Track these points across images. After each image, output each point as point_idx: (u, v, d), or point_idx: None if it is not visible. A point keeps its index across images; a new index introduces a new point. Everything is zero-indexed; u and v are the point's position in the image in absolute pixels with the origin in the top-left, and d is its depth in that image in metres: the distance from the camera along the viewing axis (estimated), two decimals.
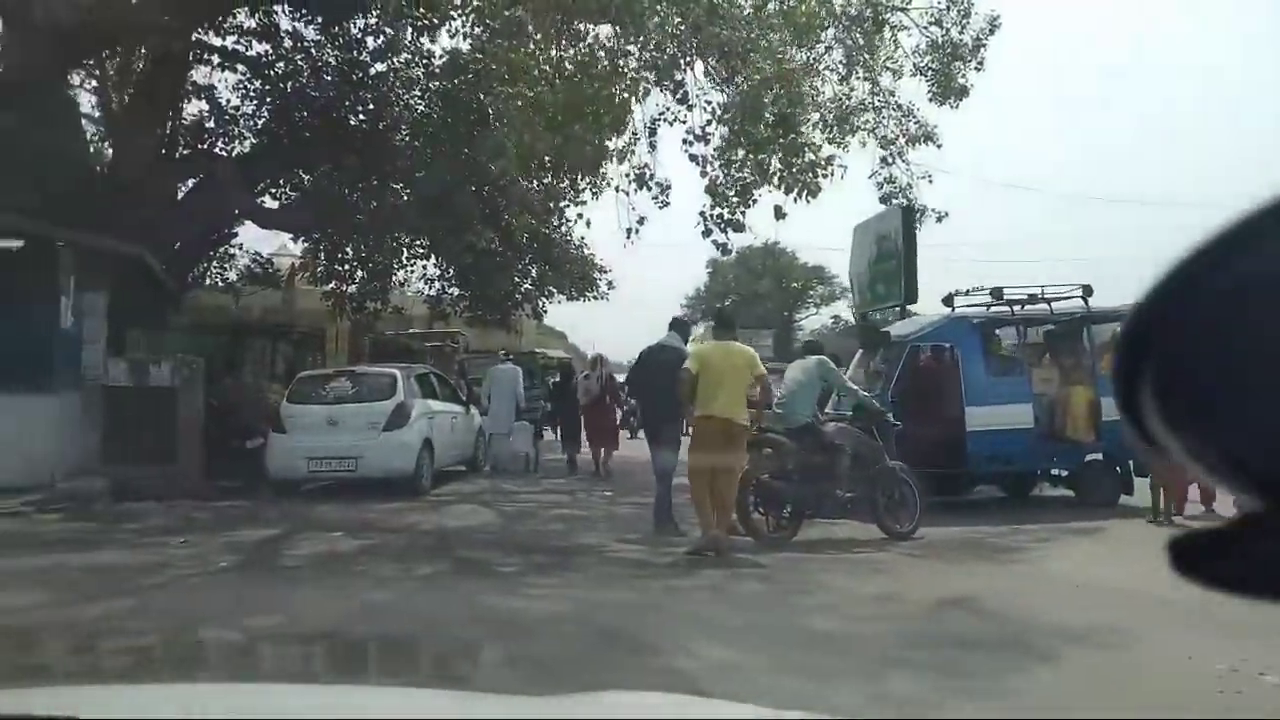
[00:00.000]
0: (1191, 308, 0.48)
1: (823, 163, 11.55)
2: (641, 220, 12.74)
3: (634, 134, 13.25)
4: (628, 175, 12.59)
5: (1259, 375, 0.46)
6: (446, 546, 8.26)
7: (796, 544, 8.00)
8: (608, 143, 12.72)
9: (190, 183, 18.04)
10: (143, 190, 16.32)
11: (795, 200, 11.35)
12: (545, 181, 17.63)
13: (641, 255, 34.47)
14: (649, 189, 12.41)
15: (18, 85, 15.36)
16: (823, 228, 62.19)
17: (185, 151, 18.05)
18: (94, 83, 19.27)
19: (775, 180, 11.75)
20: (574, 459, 15.16)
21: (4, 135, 15.26)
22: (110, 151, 17.82)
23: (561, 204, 18.42)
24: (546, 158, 15.36)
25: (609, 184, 12.76)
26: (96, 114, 19.78)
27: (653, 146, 13.89)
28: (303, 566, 7.53)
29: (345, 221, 17.26)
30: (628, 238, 12.85)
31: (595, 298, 20.98)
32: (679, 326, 9.31)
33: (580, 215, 14.03)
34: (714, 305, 44.00)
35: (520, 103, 14.69)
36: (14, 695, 1.79)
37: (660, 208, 12.72)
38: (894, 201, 15.45)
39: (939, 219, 15.93)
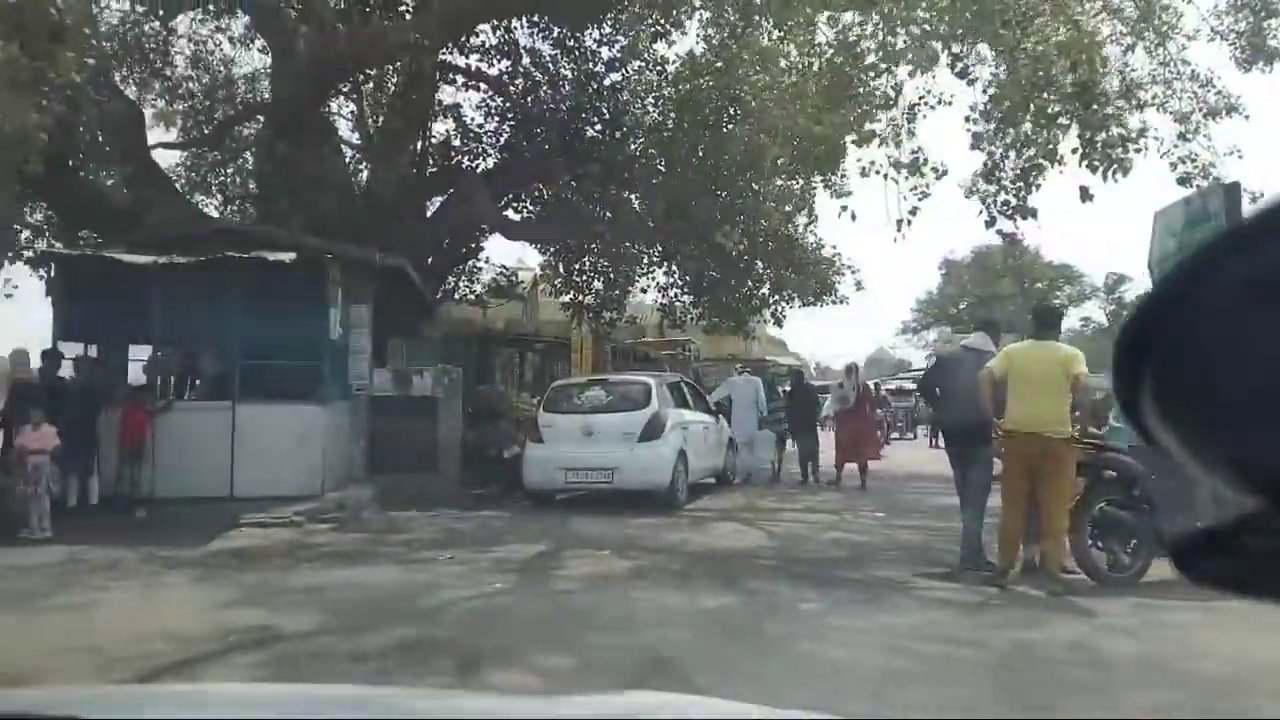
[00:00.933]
0: (1192, 308, 0.47)
1: (1133, 136, 9.93)
2: (914, 210, 11.50)
3: (893, 118, 12.05)
4: (895, 161, 11.40)
5: (1259, 375, 0.45)
6: (725, 573, 7.41)
7: (1146, 586, 6.58)
8: (872, 126, 11.59)
9: (439, 200, 18.44)
10: (397, 208, 16.81)
11: (1104, 179, 9.79)
12: (793, 177, 16.74)
13: (858, 255, 32.47)
14: (920, 174, 11.16)
15: (285, 114, 16.15)
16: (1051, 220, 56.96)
17: (433, 170, 18.45)
18: (352, 107, 20.18)
19: (1069, 158, 10.22)
20: (810, 471, 14.27)
21: (277, 161, 16.14)
22: (367, 172, 18.47)
23: (810, 199, 17.43)
24: (794, 151, 14.52)
25: (877, 171, 11.60)
26: (355, 137, 20.78)
27: (911, 134, 12.68)
28: (577, 591, 6.90)
29: (586, 232, 17.07)
30: (898, 230, 11.65)
31: (834, 301, 19.81)
32: (988, 328, 8.06)
33: (845, 207, 12.86)
34: (949, 309, 41.41)
35: (774, 92, 13.93)
36: (15, 695, 1.72)
37: (919, 199, 11.42)
38: (1197, 183, 13.35)
39: (1253, 199, 13.63)
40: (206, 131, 19.98)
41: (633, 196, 18.22)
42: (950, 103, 12.40)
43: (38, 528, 8.85)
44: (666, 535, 9.28)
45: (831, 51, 11.82)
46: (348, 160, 18.71)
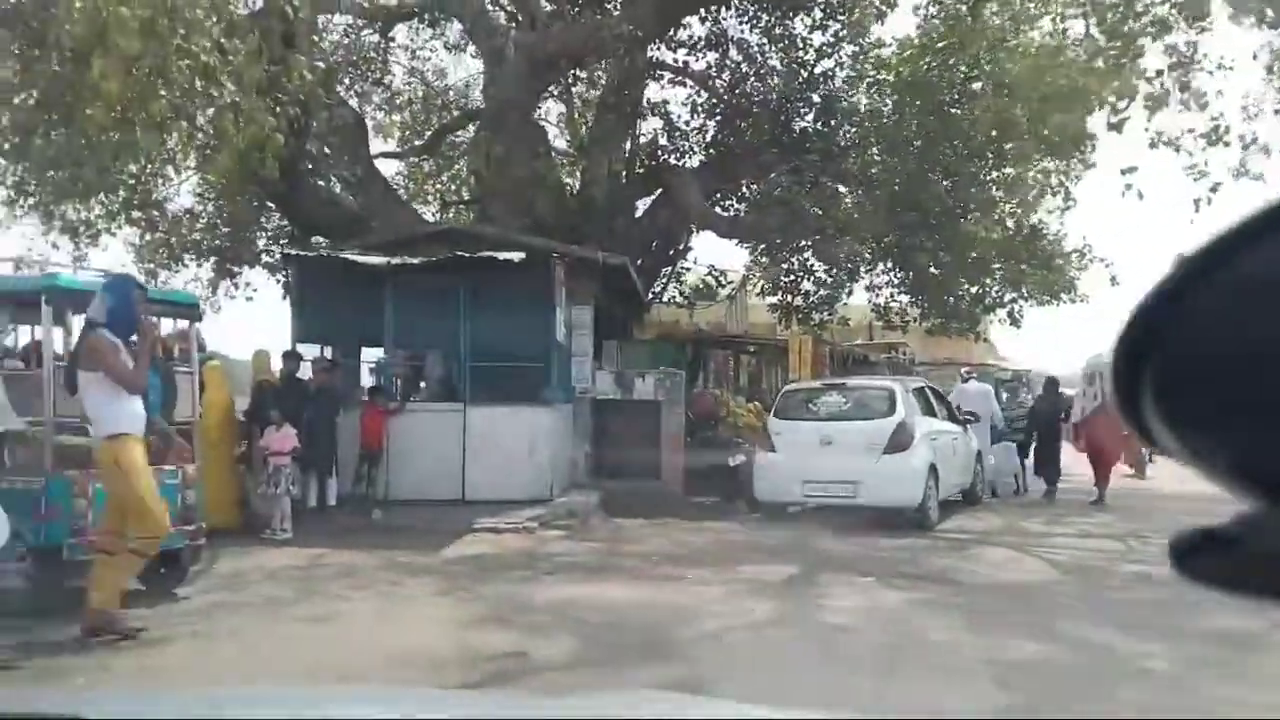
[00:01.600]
0: (1192, 308, 0.47)
1: None
2: (1215, 187, 9.88)
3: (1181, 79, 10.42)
4: (1191, 131, 9.82)
5: (1260, 375, 0.45)
6: (1023, 612, 6.31)
7: None
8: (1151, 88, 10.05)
9: (647, 200, 17.99)
10: (608, 208, 16.47)
11: None
12: (1043, 159, 15.20)
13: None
14: (1225, 145, 9.55)
15: (499, 117, 16.07)
16: None
17: (642, 169, 18.00)
18: (561, 109, 20.10)
19: None
20: (1053, 486, 12.85)
21: (493, 164, 16.09)
22: (579, 173, 18.27)
23: (1064, 183, 15.79)
24: (1044, 129, 13.06)
25: (1166, 143, 10.05)
26: (565, 138, 20.72)
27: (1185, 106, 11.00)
28: (855, 627, 5.97)
29: (801, 228, 16.09)
30: (1196, 210, 10.05)
31: (1074, 300, 17.90)
32: None
33: (1129, 185, 11.30)
34: None
35: (1025, 62, 12.61)
36: (15, 695, 1.76)
37: (1236, 175, 9.76)
38: None
39: None
40: (423, 140, 20.51)
41: (849, 190, 17.18)
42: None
43: (279, 529, 8.80)
44: (929, 561, 8.21)
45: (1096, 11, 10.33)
46: (558, 162, 18.62)
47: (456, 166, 21.79)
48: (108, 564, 5.38)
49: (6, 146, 11.21)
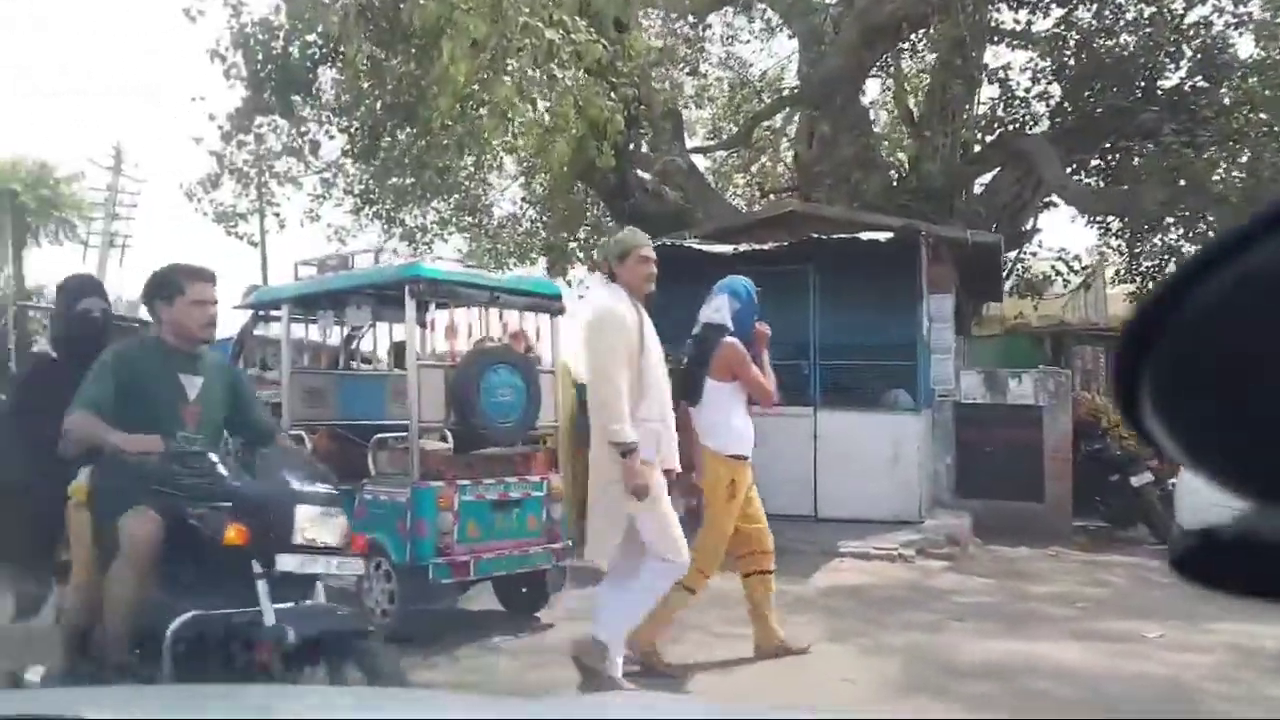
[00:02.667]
0: (1192, 308, 0.46)
1: None
2: None
3: None
4: None
5: (1260, 375, 0.45)
6: None
7: None
8: None
9: (987, 178, 15.99)
10: (942, 189, 14.71)
11: None
12: None
13: None
14: None
15: (823, 95, 14.83)
16: None
17: (978, 147, 16.01)
18: (886, 83, 18.44)
19: None
20: None
21: (819, 146, 14.84)
22: (910, 149, 16.59)
23: None
24: None
25: None
26: (889, 113, 19.08)
27: None
28: None
29: (1196, 199, 13.41)
30: None
31: None
32: None
33: None
34: None
35: None
36: (15, 695, 1.77)
37: None
38: None
39: None
40: (735, 130, 19.65)
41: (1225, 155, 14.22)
42: None
43: None
44: None
45: None
46: (889, 138, 17.10)
47: (763, 158, 20.87)
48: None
49: (357, 149, 11.41)
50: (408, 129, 10.73)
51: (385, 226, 17.30)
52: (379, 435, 5.68)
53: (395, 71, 9.78)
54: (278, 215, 15.87)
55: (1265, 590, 0.52)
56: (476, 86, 8.75)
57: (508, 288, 5.71)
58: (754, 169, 20.78)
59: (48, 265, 28.68)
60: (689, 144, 18.78)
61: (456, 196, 15.80)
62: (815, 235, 8.74)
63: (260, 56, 9.81)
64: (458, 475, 5.37)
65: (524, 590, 5.86)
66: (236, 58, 9.93)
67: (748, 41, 19.23)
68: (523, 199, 18.78)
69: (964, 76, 14.78)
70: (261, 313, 6.76)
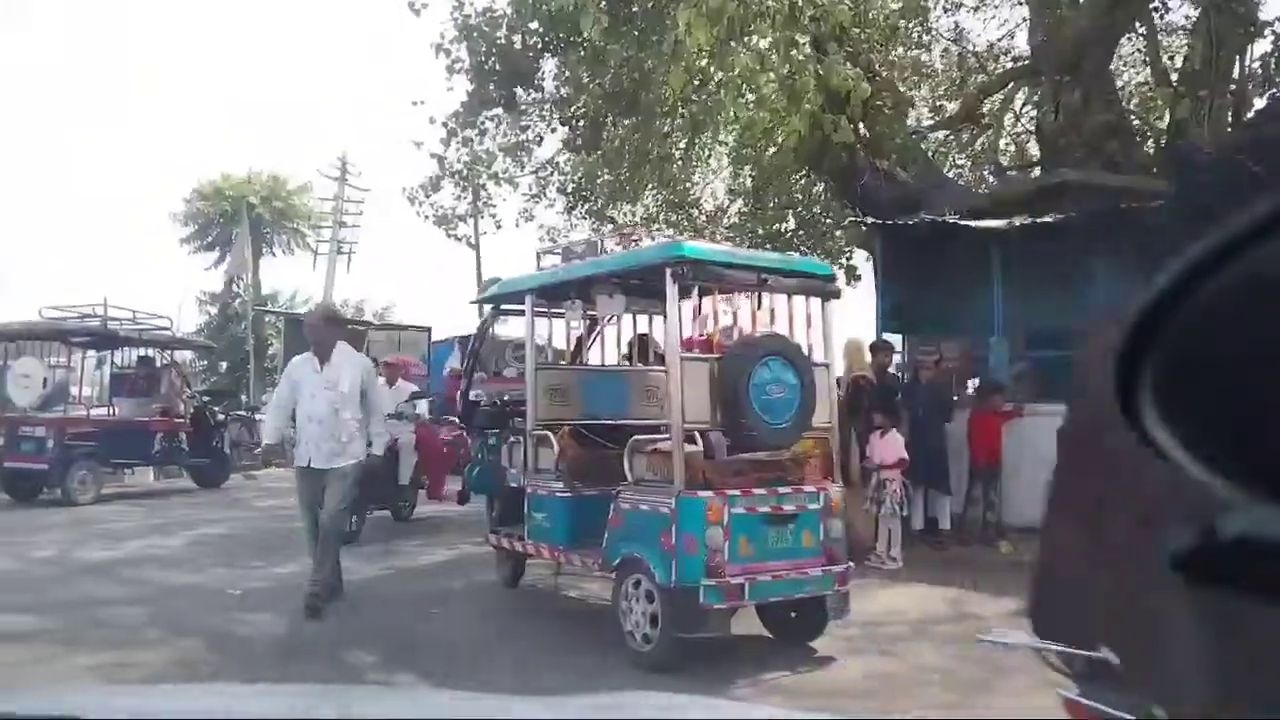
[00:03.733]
0: (1191, 308, 0.46)
1: None
2: None
3: None
4: None
5: (1258, 375, 0.45)
6: None
7: None
8: None
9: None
10: (1214, 156, 12.76)
11: None
12: None
13: None
14: None
15: (1070, 60, 13.21)
16: None
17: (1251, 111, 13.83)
18: (1140, 45, 16.42)
19: None
20: None
21: (1064, 115, 13.28)
22: (1168, 114, 14.61)
23: None
24: None
25: None
26: (1137, 83, 17.04)
27: None
28: None
29: None
30: None
31: None
32: None
33: None
34: None
35: None
36: (15, 695, 1.68)
37: None
38: None
39: None
40: (955, 108, 18.12)
41: None
42: None
43: (887, 556, 7.06)
44: None
45: None
46: (1149, 103, 15.19)
47: (984, 136, 19.16)
48: None
49: (579, 141, 11.02)
50: (629, 118, 10.22)
51: (595, 224, 17.06)
52: (636, 437, 5.04)
53: (618, 56, 9.26)
54: (494, 216, 15.92)
55: (1265, 590, 0.51)
56: (707, 61, 8.07)
57: (778, 268, 4.93)
58: (979, 145, 19.10)
59: (281, 273, 30.77)
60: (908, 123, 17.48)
61: (667, 191, 15.26)
62: (1128, 206, 7.44)
63: (484, 47, 9.53)
64: (726, 484, 4.63)
65: (793, 615, 5.06)
66: (460, 50, 9.71)
67: (975, 8, 17.63)
68: (729, 190, 18.06)
69: (1243, 25, 12.77)
70: (503, 306, 6.31)
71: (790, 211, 17.52)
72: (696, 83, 8.10)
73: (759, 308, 5.41)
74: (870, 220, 9.50)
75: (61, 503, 11.07)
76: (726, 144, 14.39)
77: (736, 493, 4.61)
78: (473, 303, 6.42)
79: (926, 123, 18.77)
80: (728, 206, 18.60)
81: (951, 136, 19.18)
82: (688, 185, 16.04)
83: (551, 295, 5.81)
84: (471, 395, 6.77)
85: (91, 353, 12.85)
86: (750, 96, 7.92)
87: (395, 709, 1.72)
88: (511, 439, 5.99)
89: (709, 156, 15.99)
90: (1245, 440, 0.46)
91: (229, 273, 22.38)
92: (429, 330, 20.28)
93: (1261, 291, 0.44)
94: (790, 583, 4.70)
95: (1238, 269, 0.44)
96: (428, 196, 15.56)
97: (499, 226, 15.75)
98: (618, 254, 5.31)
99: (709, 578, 4.44)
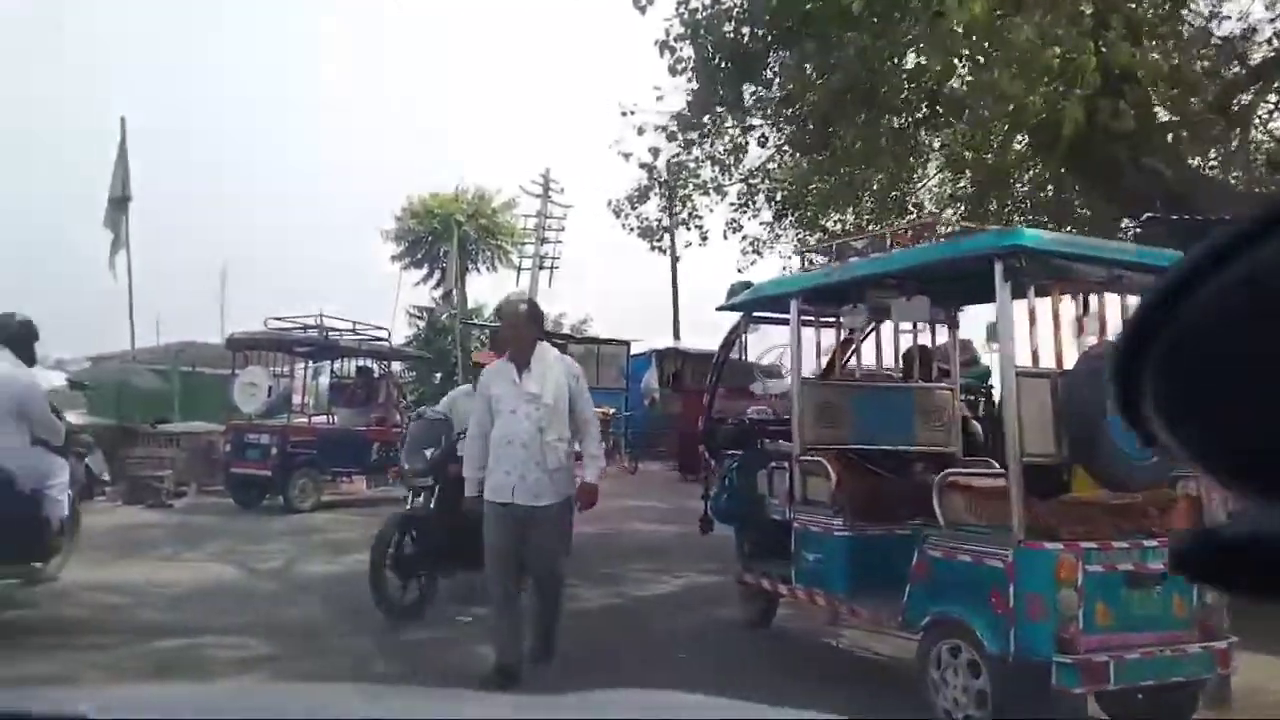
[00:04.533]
0: (1193, 307, 0.46)
1: None
2: None
3: None
4: None
5: (1259, 374, 0.44)
6: None
7: None
8: None
9: None
10: None
11: None
12: None
13: None
14: None
15: None
16: None
17: None
18: None
19: None
20: None
21: None
22: None
23: None
24: None
25: None
26: None
27: None
28: None
29: None
30: None
31: None
32: None
33: None
34: None
35: None
36: (15, 695, 1.66)
37: None
38: None
39: None
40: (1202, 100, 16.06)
41: None
42: None
43: None
44: None
45: None
46: None
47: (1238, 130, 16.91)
48: None
49: (806, 139, 10.19)
50: (862, 113, 9.29)
51: (803, 233, 16.16)
52: (949, 471, 4.13)
53: (856, 44, 8.36)
54: (699, 228, 15.30)
55: (1266, 590, 0.52)
56: (972, 39, 7.07)
57: (1138, 261, 3.91)
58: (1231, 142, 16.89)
59: (485, 289, 31.44)
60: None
61: (886, 196, 14.16)
62: None
63: (711, 41, 8.87)
64: (1074, 534, 3.65)
65: (1139, 697, 3.99)
66: (685, 48, 9.09)
67: None
68: (950, 195, 16.71)
69: None
70: (756, 313, 5.55)
71: (1016, 216, 16.00)
72: (956, 63, 7.11)
73: (1085, 312, 4.38)
74: (1151, 217, 8.15)
75: (283, 510, 11.20)
76: (950, 145, 13.18)
77: (1093, 545, 3.62)
78: (720, 309, 5.68)
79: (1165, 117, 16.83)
80: (940, 212, 17.29)
81: (1193, 132, 17.11)
82: (907, 188, 14.86)
83: (823, 299, 4.99)
84: (714, 412, 6.03)
85: (312, 363, 13.10)
86: (1019, 83, 6.81)
87: (395, 709, 1.68)
88: (773, 464, 5.19)
89: (926, 160, 14.78)
90: (1245, 440, 0.45)
91: (443, 288, 22.91)
92: (628, 344, 19.94)
93: (1263, 291, 0.43)
94: (1163, 663, 3.66)
95: (1239, 268, 0.43)
96: (633, 208, 15.15)
97: (704, 239, 15.09)
98: (923, 247, 4.43)
99: (1062, 653, 3.47)
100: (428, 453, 6.02)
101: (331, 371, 13.59)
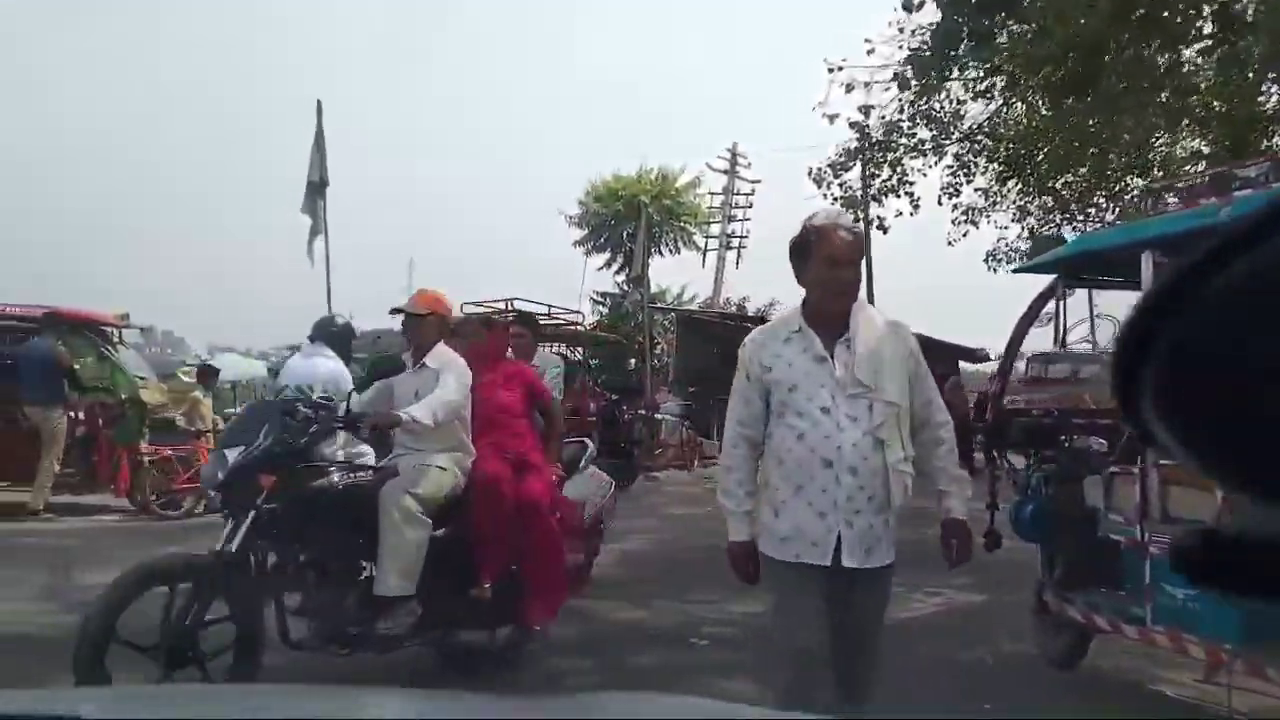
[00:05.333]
0: (1194, 306, 0.46)
1: None
2: None
3: None
4: None
5: (1260, 375, 0.44)
6: None
7: None
8: None
9: None
10: None
11: None
12: None
13: None
14: None
15: None
16: None
17: None
18: None
19: None
20: None
21: None
22: None
23: None
24: None
25: None
26: None
27: None
28: None
29: None
30: None
31: None
32: None
33: None
34: None
35: None
36: (15, 695, 1.68)
37: None
38: None
39: None
40: None
41: None
42: None
43: None
44: None
45: None
46: None
47: None
48: None
49: (1063, 78, 8.72)
50: (1139, 46, 7.78)
51: (1026, 199, 14.47)
52: None
53: None
54: (910, 194, 13.92)
55: (1265, 590, 0.52)
56: None
57: None
58: None
59: (668, 272, 30.60)
60: None
61: (1135, 151, 12.31)
62: None
63: None
64: None
65: None
66: None
67: None
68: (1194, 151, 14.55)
69: None
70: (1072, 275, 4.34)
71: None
72: None
73: None
74: None
75: None
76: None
77: None
78: (1018, 271, 4.50)
79: None
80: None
81: None
82: (1170, 138, 12.91)
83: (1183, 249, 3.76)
84: (1005, 401, 4.83)
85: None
86: None
87: (395, 709, 1.65)
88: (1113, 470, 3.98)
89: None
90: (1246, 440, 0.45)
91: (630, 271, 22.29)
92: None
93: (1264, 291, 0.43)
94: None
95: (1241, 267, 0.43)
96: (836, 176, 13.97)
97: (916, 208, 13.70)
98: None
99: None
100: (230, 454, 3.80)
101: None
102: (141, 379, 9.21)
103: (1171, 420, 0.48)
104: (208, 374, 10.97)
